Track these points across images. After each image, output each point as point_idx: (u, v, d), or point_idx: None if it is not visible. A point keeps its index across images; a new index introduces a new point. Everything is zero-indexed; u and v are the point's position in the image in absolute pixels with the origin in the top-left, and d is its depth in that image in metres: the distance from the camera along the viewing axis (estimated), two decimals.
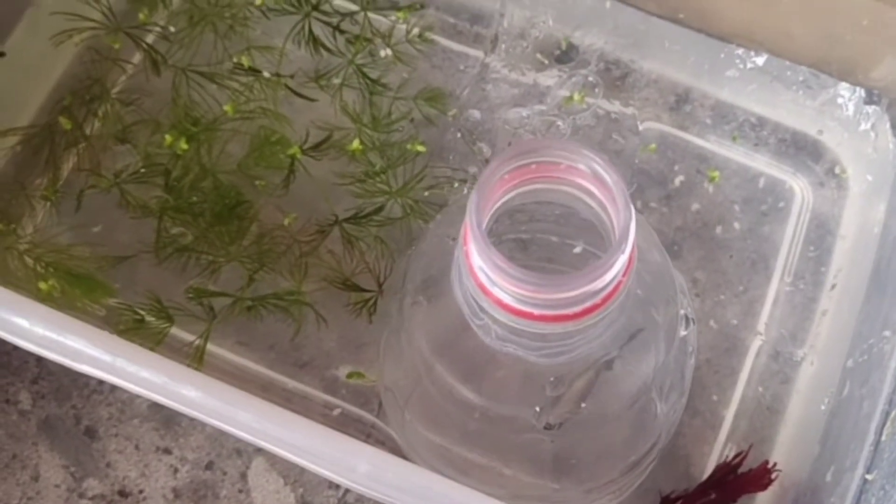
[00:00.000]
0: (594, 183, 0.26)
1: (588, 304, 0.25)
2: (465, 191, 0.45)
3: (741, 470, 0.40)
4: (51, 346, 0.26)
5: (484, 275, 0.25)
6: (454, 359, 0.30)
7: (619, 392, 0.31)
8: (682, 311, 0.32)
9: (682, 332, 0.32)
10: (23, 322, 0.26)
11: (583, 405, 0.30)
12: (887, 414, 0.34)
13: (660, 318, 0.31)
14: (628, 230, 0.25)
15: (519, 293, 0.25)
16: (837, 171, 0.47)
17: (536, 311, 0.25)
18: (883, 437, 0.33)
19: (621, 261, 0.25)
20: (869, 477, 0.33)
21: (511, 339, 0.27)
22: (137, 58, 0.46)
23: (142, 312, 0.41)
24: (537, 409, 0.30)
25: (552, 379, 0.29)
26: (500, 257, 0.25)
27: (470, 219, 0.25)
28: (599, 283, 0.25)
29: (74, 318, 0.28)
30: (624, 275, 0.26)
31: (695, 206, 0.46)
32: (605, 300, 0.26)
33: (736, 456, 0.40)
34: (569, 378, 0.30)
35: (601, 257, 0.31)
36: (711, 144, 0.47)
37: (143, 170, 0.42)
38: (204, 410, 0.25)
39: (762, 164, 0.47)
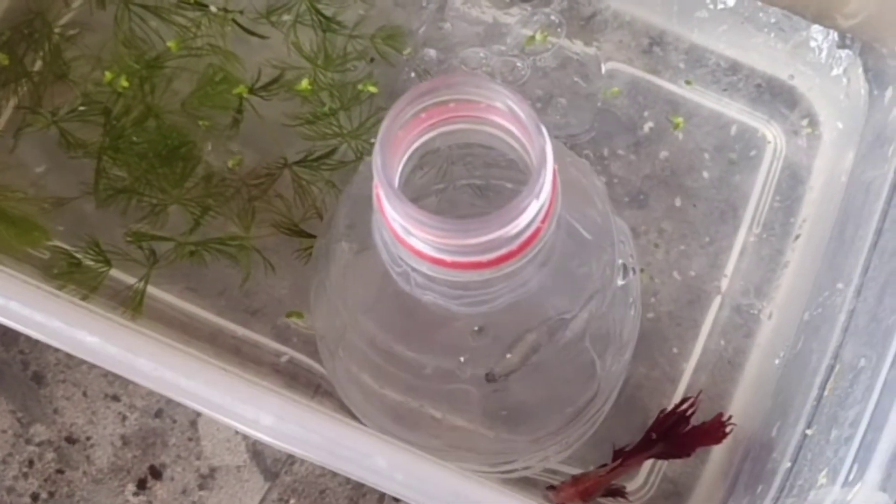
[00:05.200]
0: (513, 122, 0.25)
1: (503, 252, 0.24)
2: None
3: (697, 422, 0.39)
4: None
5: (395, 221, 0.24)
6: (377, 306, 0.29)
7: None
8: (619, 260, 0.31)
9: (620, 282, 0.31)
10: None
11: (532, 359, 0.29)
12: (832, 368, 0.32)
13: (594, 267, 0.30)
14: (543, 166, 0.23)
15: (427, 238, 0.24)
16: (808, 119, 0.45)
17: (449, 258, 0.24)
18: (825, 393, 0.32)
19: (535, 205, 0.24)
20: (809, 432, 0.32)
21: (430, 287, 0.26)
22: None
23: (78, 256, 0.40)
24: (461, 359, 0.29)
25: (476, 328, 0.28)
26: (408, 203, 0.23)
27: (374, 161, 0.24)
28: (513, 229, 0.24)
29: None
30: (543, 221, 0.24)
31: (663, 154, 0.44)
32: (522, 247, 0.24)
33: (682, 402, 0.38)
34: (517, 331, 0.29)
35: None
36: (683, 90, 0.45)
37: (81, 108, 0.41)
38: (101, 358, 0.24)
39: (735, 110, 0.45)
